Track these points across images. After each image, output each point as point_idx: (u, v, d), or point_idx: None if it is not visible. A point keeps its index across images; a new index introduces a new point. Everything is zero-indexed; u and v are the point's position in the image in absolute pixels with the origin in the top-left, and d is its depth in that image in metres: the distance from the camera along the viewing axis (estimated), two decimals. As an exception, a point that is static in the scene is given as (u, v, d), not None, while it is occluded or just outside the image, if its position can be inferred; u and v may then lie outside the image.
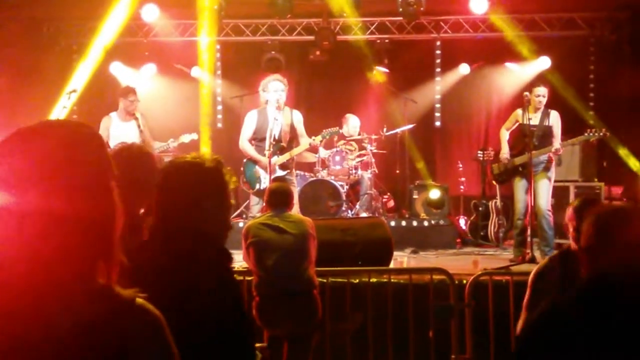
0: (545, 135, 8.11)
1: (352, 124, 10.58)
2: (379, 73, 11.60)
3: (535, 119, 8.12)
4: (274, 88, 8.02)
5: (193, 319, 2.30)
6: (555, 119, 8.20)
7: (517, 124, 8.32)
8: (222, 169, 2.64)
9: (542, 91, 8.15)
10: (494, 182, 9.21)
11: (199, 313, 2.35)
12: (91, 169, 1.50)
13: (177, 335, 1.58)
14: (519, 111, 8.24)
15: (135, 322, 1.47)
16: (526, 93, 8.07)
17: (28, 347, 1.38)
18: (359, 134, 10.38)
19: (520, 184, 8.22)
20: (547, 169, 8.15)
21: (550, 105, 8.35)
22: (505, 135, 8.50)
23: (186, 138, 9.44)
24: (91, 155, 1.51)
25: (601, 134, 8.21)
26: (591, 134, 8.22)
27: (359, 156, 10.18)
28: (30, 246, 1.39)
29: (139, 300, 1.50)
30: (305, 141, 8.28)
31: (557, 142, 8.12)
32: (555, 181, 8.68)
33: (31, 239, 1.40)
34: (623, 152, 10.34)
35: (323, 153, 9.67)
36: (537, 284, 4.07)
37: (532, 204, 7.87)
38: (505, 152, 8.41)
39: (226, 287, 2.50)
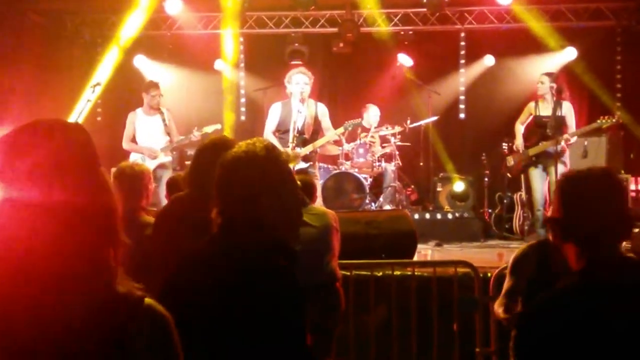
0: (558, 126, 8.08)
1: (372, 113, 10.54)
2: (402, 65, 11.55)
3: (547, 110, 8.10)
4: (297, 80, 8.00)
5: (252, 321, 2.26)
6: (568, 110, 8.18)
7: (531, 116, 8.31)
8: (275, 155, 2.52)
9: (542, 78, 8.20)
10: (508, 175, 9.18)
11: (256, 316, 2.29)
12: (94, 162, 1.54)
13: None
14: (532, 104, 8.30)
15: (139, 323, 1.48)
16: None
17: (26, 342, 1.39)
18: (385, 127, 10.33)
19: (535, 174, 8.22)
20: (562, 159, 8.11)
21: (576, 96, 8.31)
22: (520, 129, 8.53)
23: (210, 129, 9.45)
24: (79, 146, 1.54)
25: (614, 120, 8.16)
26: (603, 121, 8.17)
27: (380, 149, 10.15)
28: (31, 238, 1.41)
29: (148, 301, 1.52)
30: (331, 133, 8.25)
31: (570, 132, 8.10)
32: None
33: (31, 230, 1.41)
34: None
35: (347, 146, 9.64)
36: (514, 271, 4.08)
37: (549, 196, 7.86)
38: (519, 144, 8.43)
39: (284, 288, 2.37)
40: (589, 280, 2.31)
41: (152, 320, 1.51)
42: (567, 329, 2.23)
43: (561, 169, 8.07)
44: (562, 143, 7.99)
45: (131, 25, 10.94)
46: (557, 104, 8.14)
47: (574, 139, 8.13)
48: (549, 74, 8.32)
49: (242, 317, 2.25)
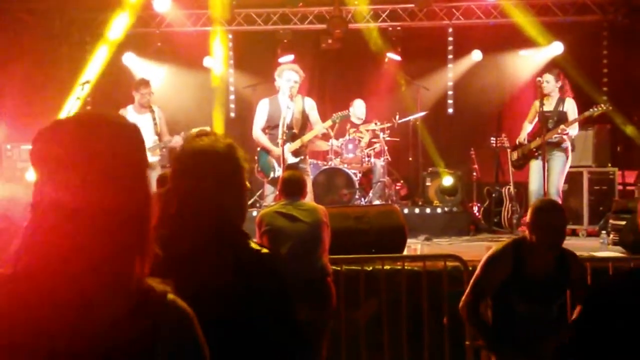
0: (560, 120, 8.27)
1: (357, 107, 10.59)
2: (391, 60, 11.60)
3: (549, 106, 8.27)
4: (288, 77, 8.02)
5: (225, 303, 2.30)
6: (570, 106, 8.36)
7: (537, 114, 8.44)
8: (235, 152, 2.56)
9: (546, 77, 8.35)
10: (512, 169, 9.30)
11: (232, 295, 2.34)
12: (132, 160, 1.51)
13: (206, 325, 1.58)
14: (537, 102, 8.43)
15: (167, 319, 1.48)
16: (539, 79, 8.18)
17: (50, 336, 1.39)
18: (374, 123, 10.37)
19: (534, 166, 8.39)
20: (560, 153, 8.26)
21: (564, 89, 8.42)
22: (527, 127, 8.72)
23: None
24: (133, 147, 1.52)
25: (604, 108, 8.32)
26: (595, 109, 8.31)
27: (369, 144, 10.20)
28: (63, 234, 1.41)
29: (171, 296, 1.51)
30: (319, 127, 8.28)
31: (570, 128, 8.21)
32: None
33: (65, 226, 1.41)
34: (637, 137, 10.30)
35: (335, 142, 9.68)
36: (488, 268, 4.13)
37: (545, 188, 7.98)
38: (522, 138, 8.60)
39: (259, 266, 2.42)
40: None
41: (177, 316, 1.51)
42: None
43: (561, 160, 8.22)
44: (559, 133, 8.13)
45: (120, 23, 10.92)
46: (560, 101, 8.34)
47: (572, 131, 8.26)
48: (552, 72, 8.46)
49: (220, 303, 2.28)
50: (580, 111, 8.41)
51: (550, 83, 8.33)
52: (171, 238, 2.44)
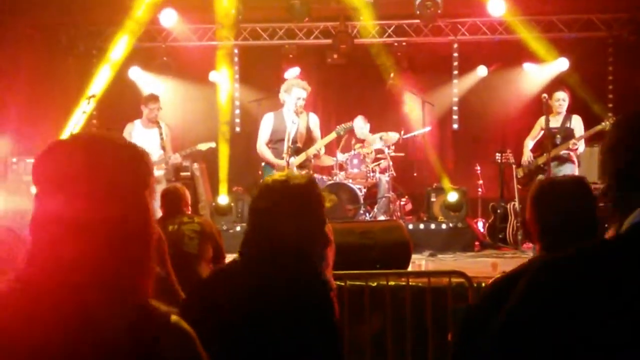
0: (567, 137, 8.23)
1: (357, 124, 10.59)
2: (396, 76, 11.61)
3: (556, 122, 8.23)
4: (297, 95, 8.04)
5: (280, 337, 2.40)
6: (577, 123, 8.32)
7: (542, 131, 8.39)
8: (314, 186, 2.75)
9: (561, 95, 8.27)
10: (518, 186, 9.25)
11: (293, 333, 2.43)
12: (130, 180, 1.54)
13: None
14: (542, 118, 8.36)
15: (169, 340, 1.48)
16: (544, 95, 8.14)
17: (48, 354, 1.40)
18: (380, 138, 10.36)
19: None
20: (567, 169, 8.19)
21: (569, 106, 8.39)
22: (529, 144, 8.63)
23: (204, 146, 9.47)
24: (130, 166, 1.55)
25: None
26: (607, 123, 8.27)
27: (375, 160, 10.19)
28: (65, 251, 1.42)
29: (174, 318, 1.52)
30: (317, 144, 8.29)
31: (579, 143, 8.18)
32: (573, 183, 8.71)
33: (66, 244, 1.42)
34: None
35: (341, 156, 9.68)
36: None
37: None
38: (527, 156, 8.53)
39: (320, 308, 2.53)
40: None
41: (180, 338, 1.51)
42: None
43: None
44: (570, 148, 8.09)
45: (126, 37, 10.96)
46: (567, 117, 8.30)
47: (581, 146, 8.22)
48: (564, 90, 8.43)
49: (279, 332, 2.39)
50: (585, 128, 8.39)
51: (566, 101, 8.29)
52: (239, 269, 2.58)
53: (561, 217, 2.45)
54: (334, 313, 2.59)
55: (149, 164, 1.59)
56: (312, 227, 2.72)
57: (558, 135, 8.21)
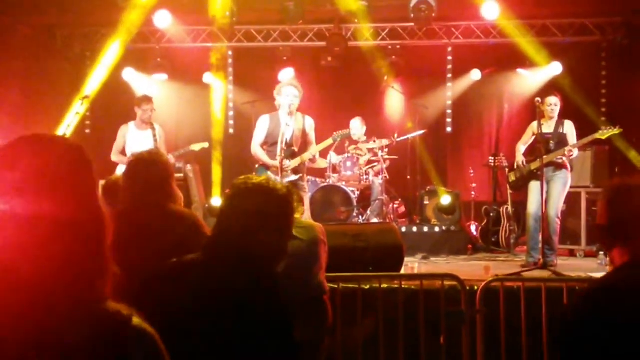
0: (560, 142, 8.17)
1: (354, 126, 10.62)
2: (390, 79, 11.63)
3: (549, 128, 8.20)
4: (287, 93, 8.02)
5: (236, 333, 2.41)
6: (569, 128, 8.29)
7: (534, 136, 8.37)
8: (292, 197, 2.70)
9: (553, 100, 8.23)
10: (510, 191, 9.24)
11: (242, 328, 2.44)
12: (82, 179, 1.54)
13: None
14: (534, 123, 8.33)
15: (131, 343, 1.48)
16: (538, 99, 8.12)
17: (35, 356, 1.39)
18: (373, 141, 10.37)
19: (534, 187, 8.24)
20: (561, 175, 8.17)
21: (561, 111, 8.38)
22: (521, 149, 8.58)
23: (197, 147, 9.47)
24: (81, 167, 1.56)
25: (614, 131, 8.24)
26: (605, 131, 8.26)
27: (368, 162, 10.20)
28: (19, 254, 1.41)
29: (136, 320, 1.51)
30: (313, 149, 8.28)
31: (574, 150, 8.17)
32: (567, 188, 8.71)
33: (20, 246, 1.41)
34: (635, 158, 10.30)
35: (334, 159, 9.68)
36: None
37: (544, 210, 7.86)
38: (520, 160, 8.48)
39: (271, 312, 2.55)
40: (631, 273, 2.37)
41: (142, 340, 1.50)
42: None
43: (562, 182, 8.14)
44: (565, 154, 8.07)
45: (120, 39, 10.95)
46: (559, 123, 8.27)
47: (575, 152, 8.21)
48: (556, 95, 8.41)
49: (233, 337, 2.39)
50: (580, 134, 8.37)
51: (558, 106, 8.28)
52: (200, 261, 2.58)
53: None
54: (290, 333, 2.57)
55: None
56: (283, 240, 2.72)
57: (551, 141, 8.19)
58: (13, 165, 1.47)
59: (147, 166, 4.11)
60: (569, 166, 8.29)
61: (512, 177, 8.76)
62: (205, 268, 2.57)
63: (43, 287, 1.40)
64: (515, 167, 8.62)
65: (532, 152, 8.55)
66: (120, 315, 1.49)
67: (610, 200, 2.53)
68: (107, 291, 1.50)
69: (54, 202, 1.45)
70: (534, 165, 8.31)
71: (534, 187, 8.26)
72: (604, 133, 8.28)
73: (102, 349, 1.43)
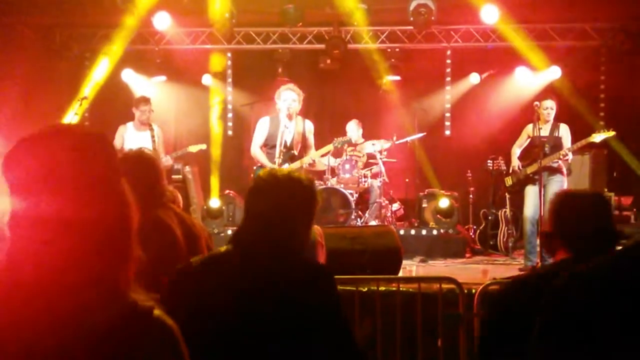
0: (556, 146, 8.17)
1: (350, 128, 10.64)
2: (389, 82, 11.63)
3: (545, 131, 8.20)
4: (285, 97, 8.04)
5: (267, 323, 2.44)
6: (564, 131, 8.29)
7: (529, 139, 8.37)
8: (315, 187, 2.79)
9: (549, 104, 8.23)
10: (507, 194, 9.24)
11: (275, 316, 2.47)
12: (100, 171, 1.52)
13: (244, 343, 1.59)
14: (529, 126, 8.35)
15: (150, 333, 1.48)
16: (536, 103, 8.14)
17: (38, 353, 1.39)
18: (372, 143, 10.36)
19: (531, 191, 8.26)
20: (557, 179, 8.18)
21: (560, 115, 8.38)
22: (516, 152, 8.58)
23: (194, 148, 9.48)
24: (99, 157, 1.53)
25: (608, 133, 8.25)
26: (599, 134, 8.27)
27: (366, 165, 10.20)
28: (43, 250, 1.41)
29: (157, 312, 1.51)
30: (313, 154, 8.28)
31: (569, 153, 8.17)
32: (565, 192, 8.70)
33: (44, 242, 1.41)
34: (633, 162, 10.32)
35: (333, 161, 9.68)
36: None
37: (541, 214, 7.86)
38: (516, 164, 8.49)
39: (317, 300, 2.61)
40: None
41: (161, 332, 1.50)
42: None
43: (558, 185, 8.14)
44: (561, 158, 8.07)
45: (119, 40, 10.95)
46: (555, 126, 8.27)
47: (570, 156, 8.22)
48: (552, 98, 8.41)
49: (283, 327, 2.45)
50: (579, 138, 8.37)
51: (554, 110, 8.28)
52: (230, 253, 2.63)
53: (588, 228, 2.55)
54: (339, 308, 2.70)
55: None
56: (308, 229, 2.78)
57: (547, 144, 8.19)
58: (43, 160, 1.46)
59: (134, 166, 4.03)
60: (564, 170, 8.30)
61: (509, 181, 8.78)
62: (240, 260, 2.59)
63: (67, 281, 1.41)
64: (512, 171, 8.64)
65: (527, 156, 8.55)
66: (142, 306, 1.49)
67: (555, 209, 2.71)
68: (129, 282, 1.50)
69: (75, 196, 1.45)
70: (530, 169, 8.33)
71: (531, 191, 8.29)
72: (599, 136, 8.29)
73: (122, 339, 1.43)
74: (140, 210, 3.24)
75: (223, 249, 2.67)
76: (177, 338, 1.53)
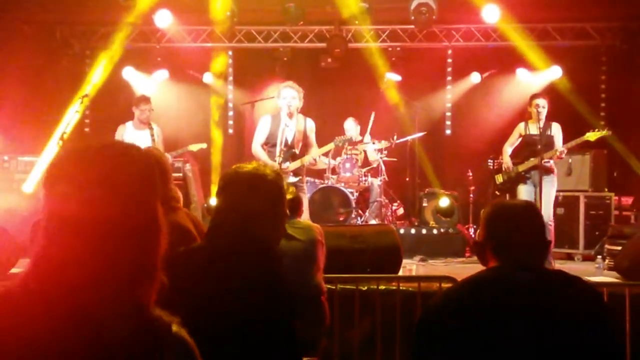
0: (548, 145, 8.12)
1: (347, 126, 10.65)
2: (390, 81, 11.63)
3: (537, 130, 8.16)
4: (285, 95, 8.03)
5: (238, 320, 2.47)
6: (556, 130, 8.24)
7: (521, 137, 8.36)
8: (281, 180, 2.84)
9: (541, 102, 8.20)
10: (497, 193, 9.21)
11: (244, 313, 2.50)
12: (138, 188, 1.56)
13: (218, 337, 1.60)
14: (521, 125, 8.36)
15: (169, 350, 1.50)
16: (532, 100, 8.14)
17: (69, 353, 1.41)
18: (372, 142, 10.37)
19: (523, 190, 8.24)
20: (549, 178, 8.14)
21: (561, 115, 8.38)
22: (508, 150, 8.55)
23: (195, 147, 9.49)
24: (139, 175, 1.57)
25: (603, 132, 8.21)
26: (591, 134, 8.23)
27: (365, 164, 10.21)
28: (77, 258, 1.44)
29: (176, 327, 1.54)
30: (314, 152, 8.28)
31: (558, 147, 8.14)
32: (565, 191, 8.72)
33: (79, 250, 1.44)
34: (634, 162, 10.32)
35: (333, 160, 9.68)
36: None
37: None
38: (507, 163, 8.47)
39: (276, 291, 2.61)
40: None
41: (181, 349, 1.53)
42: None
43: (551, 186, 8.11)
44: (553, 158, 8.03)
45: (120, 38, 10.96)
46: (547, 125, 8.22)
47: (563, 153, 8.19)
48: (544, 96, 8.38)
49: (238, 318, 2.47)
50: (570, 133, 8.33)
51: (545, 108, 8.24)
52: (203, 250, 2.72)
53: (517, 238, 2.62)
54: (293, 319, 2.64)
55: (165, 171, 1.63)
56: (277, 221, 2.84)
57: (539, 142, 8.14)
58: (82, 169, 1.50)
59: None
60: (555, 169, 8.28)
61: (500, 179, 8.72)
62: (209, 253, 2.67)
63: (95, 288, 1.44)
64: (503, 169, 8.61)
65: (518, 155, 8.52)
66: (162, 321, 1.52)
67: (486, 219, 2.74)
68: (152, 298, 1.53)
69: (116, 207, 1.48)
70: (521, 168, 8.30)
71: (523, 190, 8.25)
72: (593, 135, 8.26)
73: (141, 353, 1.46)
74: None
75: (196, 244, 2.75)
76: (195, 354, 1.57)
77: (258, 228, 2.71)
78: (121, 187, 1.51)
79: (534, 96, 8.42)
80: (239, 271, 2.59)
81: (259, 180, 2.76)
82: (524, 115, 8.89)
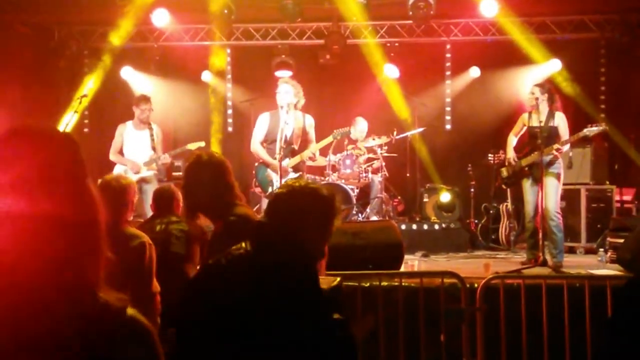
0: (551, 136, 8.02)
1: (359, 127, 10.60)
2: (389, 77, 11.61)
3: (538, 121, 8.08)
4: (281, 90, 8.04)
5: (271, 330, 2.50)
6: (560, 120, 8.13)
7: (525, 127, 8.29)
8: (334, 200, 2.84)
9: (535, 90, 8.12)
10: (503, 186, 9.18)
11: (277, 323, 2.53)
12: (69, 170, 1.52)
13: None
14: (525, 115, 8.27)
15: (124, 335, 1.46)
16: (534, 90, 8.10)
17: (7, 351, 1.37)
18: (372, 138, 10.34)
19: (528, 185, 8.18)
20: (553, 169, 8.06)
21: (561, 107, 8.32)
22: (512, 140, 8.46)
23: (193, 146, 9.47)
24: (67, 157, 1.53)
25: (601, 128, 8.14)
26: (591, 129, 8.13)
27: (367, 160, 10.19)
28: (9, 248, 1.39)
29: (130, 311, 1.50)
30: (313, 146, 8.26)
31: (560, 141, 8.06)
32: (566, 184, 8.66)
33: (10, 240, 1.40)
34: (635, 154, 10.30)
35: (333, 157, 9.67)
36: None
37: (542, 206, 7.80)
38: (511, 155, 8.39)
39: (308, 308, 2.63)
40: None
41: (136, 333, 1.49)
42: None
43: (553, 179, 8.03)
44: (554, 152, 7.96)
45: (118, 37, 10.93)
46: (550, 115, 8.12)
47: (565, 148, 8.12)
48: (540, 85, 8.30)
49: (273, 329, 2.50)
50: (570, 126, 8.25)
51: (543, 97, 8.13)
52: (246, 255, 2.71)
53: None
54: (333, 335, 2.76)
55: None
56: (322, 240, 2.88)
57: (540, 135, 8.04)
58: (7, 162, 1.45)
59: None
60: (561, 160, 8.17)
61: (505, 173, 8.64)
62: (252, 260, 2.65)
63: (39, 284, 1.39)
64: (507, 163, 8.53)
65: (522, 147, 8.44)
66: (113, 306, 1.47)
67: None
68: (98, 281, 1.48)
69: (50, 198, 1.44)
70: (524, 162, 8.22)
71: (528, 186, 8.18)
72: (591, 131, 8.15)
73: (94, 340, 1.41)
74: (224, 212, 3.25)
75: (242, 248, 2.72)
76: (153, 338, 1.52)
77: (303, 241, 2.71)
78: (50, 173, 1.47)
79: (531, 84, 8.38)
80: (275, 287, 2.58)
81: (312, 195, 2.78)
82: (523, 109, 8.85)
